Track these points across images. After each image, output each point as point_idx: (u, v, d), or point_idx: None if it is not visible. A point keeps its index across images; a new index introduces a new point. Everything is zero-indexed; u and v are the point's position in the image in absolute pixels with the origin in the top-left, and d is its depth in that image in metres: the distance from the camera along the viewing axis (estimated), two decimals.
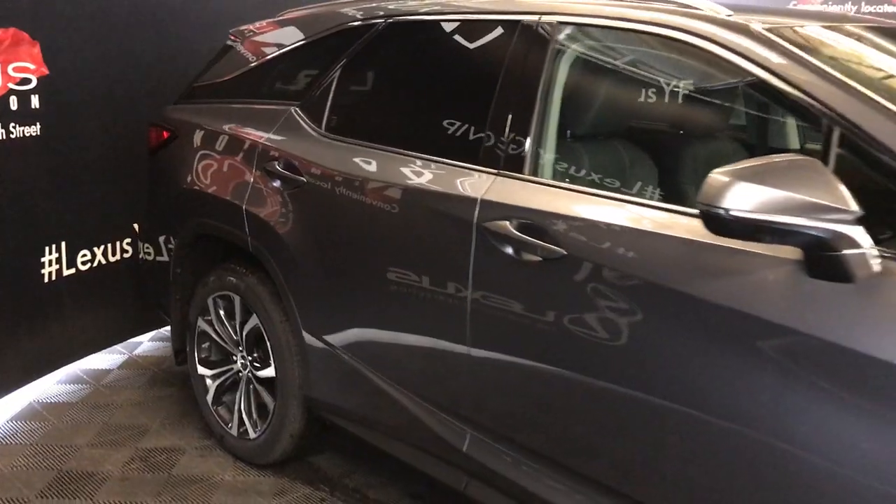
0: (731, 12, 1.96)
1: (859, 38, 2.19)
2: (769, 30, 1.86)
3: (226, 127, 2.95)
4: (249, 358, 2.92)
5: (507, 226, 2.03)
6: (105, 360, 3.81)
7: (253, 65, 3.06)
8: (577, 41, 2.18)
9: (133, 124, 3.45)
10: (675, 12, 1.98)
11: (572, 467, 2.02)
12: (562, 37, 2.15)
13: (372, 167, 2.44)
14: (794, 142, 2.61)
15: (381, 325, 2.43)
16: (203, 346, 3.11)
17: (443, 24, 2.50)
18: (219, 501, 2.74)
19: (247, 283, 2.83)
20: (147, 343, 4.04)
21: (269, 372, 2.80)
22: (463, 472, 2.27)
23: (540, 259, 1.96)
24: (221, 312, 2.99)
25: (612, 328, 1.83)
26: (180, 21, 3.60)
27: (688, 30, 1.91)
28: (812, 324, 1.54)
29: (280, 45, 2.98)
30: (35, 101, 3.10)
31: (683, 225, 1.75)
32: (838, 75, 1.70)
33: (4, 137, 3.01)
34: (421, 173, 2.31)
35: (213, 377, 3.07)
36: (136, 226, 3.56)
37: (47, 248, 3.27)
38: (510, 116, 2.14)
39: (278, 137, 2.75)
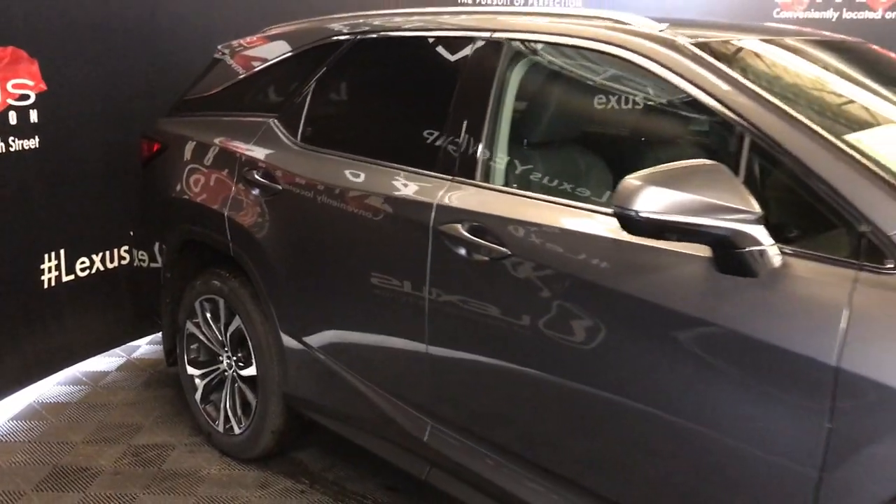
0: (663, 27, 2.09)
1: (795, 51, 2.31)
2: (696, 44, 1.99)
3: (211, 139, 3.11)
4: (234, 358, 3.07)
5: (459, 228, 2.17)
6: (104, 362, 3.97)
7: (239, 78, 3.21)
8: (524, 56, 2.33)
9: (128, 137, 3.60)
10: (610, 27, 2.12)
11: (524, 455, 2.15)
12: (510, 52, 2.29)
13: (341, 175, 2.58)
14: (725, 148, 2.72)
15: (351, 325, 2.58)
16: (192, 347, 3.26)
17: (407, 40, 2.65)
18: (205, 493, 2.89)
19: (230, 286, 2.98)
20: (145, 346, 4.20)
21: (252, 371, 2.95)
22: (425, 462, 2.42)
23: (487, 259, 2.10)
24: (208, 315, 3.14)
25: (552, 323, 1.97)
26: (172, 39, 3.76)
27: (618, 44, 2.05)
28: (721, 315, 1.67)
29: (264, 60, 3.14)
30: (34, 116, 3.26)
31: (613, 226, 1.88)
32: (752, 86, 1.83)
33: (4, 151, 3.16)
34: (386, 181, 2.45)
35: (202, 377, 3.22)
36: (132, 233, 3.72)
37: (47, 256, 3.42)
38: (464, 126, 2.28)
39: (257, 148, 2.90)
